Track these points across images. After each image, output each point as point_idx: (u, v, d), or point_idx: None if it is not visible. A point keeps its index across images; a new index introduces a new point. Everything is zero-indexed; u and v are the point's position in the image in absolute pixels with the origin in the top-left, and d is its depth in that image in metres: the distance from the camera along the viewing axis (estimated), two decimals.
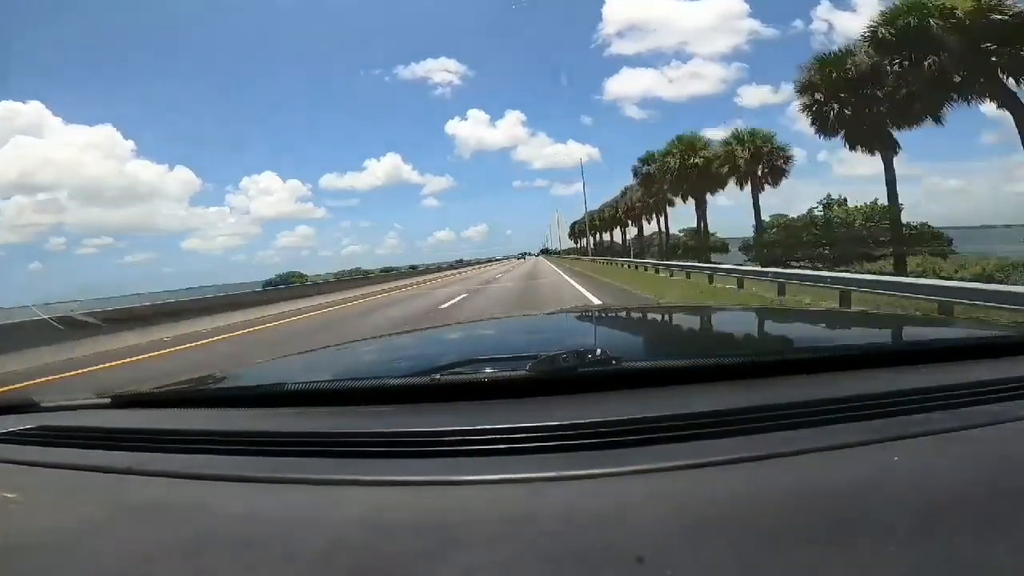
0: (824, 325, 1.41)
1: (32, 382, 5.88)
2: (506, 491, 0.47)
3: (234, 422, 0.72)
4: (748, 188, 23.93)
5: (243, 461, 0.58)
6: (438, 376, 0.72)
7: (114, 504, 0.54)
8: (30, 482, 0.63)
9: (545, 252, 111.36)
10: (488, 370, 0.75)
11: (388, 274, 33.35)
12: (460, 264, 66.33)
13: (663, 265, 19.70)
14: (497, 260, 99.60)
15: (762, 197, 23.74)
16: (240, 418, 0.74)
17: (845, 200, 27.70)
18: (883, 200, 18.46)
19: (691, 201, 28.57)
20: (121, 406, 0.88)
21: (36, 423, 0.77)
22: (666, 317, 1.72)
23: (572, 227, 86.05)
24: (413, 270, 41.60)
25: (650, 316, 1.78)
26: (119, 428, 0.74)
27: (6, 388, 5.39)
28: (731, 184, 25.00)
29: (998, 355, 0.76)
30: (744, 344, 1.16)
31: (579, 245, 77.70)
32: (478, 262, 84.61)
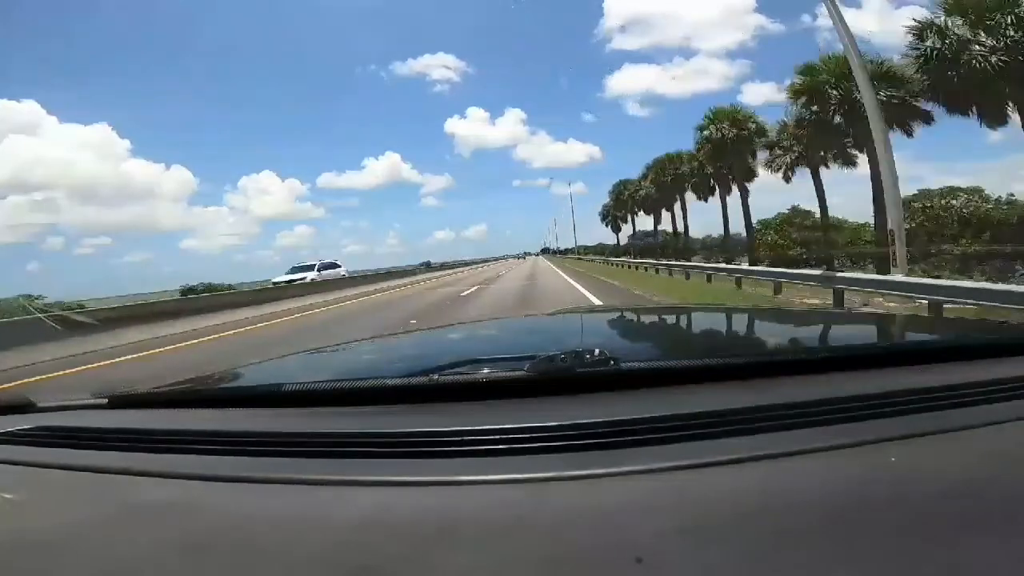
0: (824, 325, 1.40)
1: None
2: (505, 491, 0.47)
3: (232, 422, 0.72)
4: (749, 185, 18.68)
5: (241, 461, 0.58)
6: (437, 376, 0.72)
7: (112, 504, 0.54)
8: (28, 482, 0.63)
9: (545, 251, 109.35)
10: (487, 370, 0.75)
11: (230, 293, 15.38)
12: (424, 268, 39.93)
13: None
14: (482, 261, 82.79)
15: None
16: (238, 418, 0.74)
17: None
18: None
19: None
20: (119, 406, 0.87)
21: (34, 423, 0.77)
22: (665, 317, 1.72)
23: (616, 192, 45.57)
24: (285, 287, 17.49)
25: (649, 316, 1.78)
26: (117, 428, 0.74)
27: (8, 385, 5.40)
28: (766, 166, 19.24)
29: (998, 355, 0.76)
30: (743, 344, 1.16)
31: (621, 242, 47.76)
32: (461, 264, 60.17)
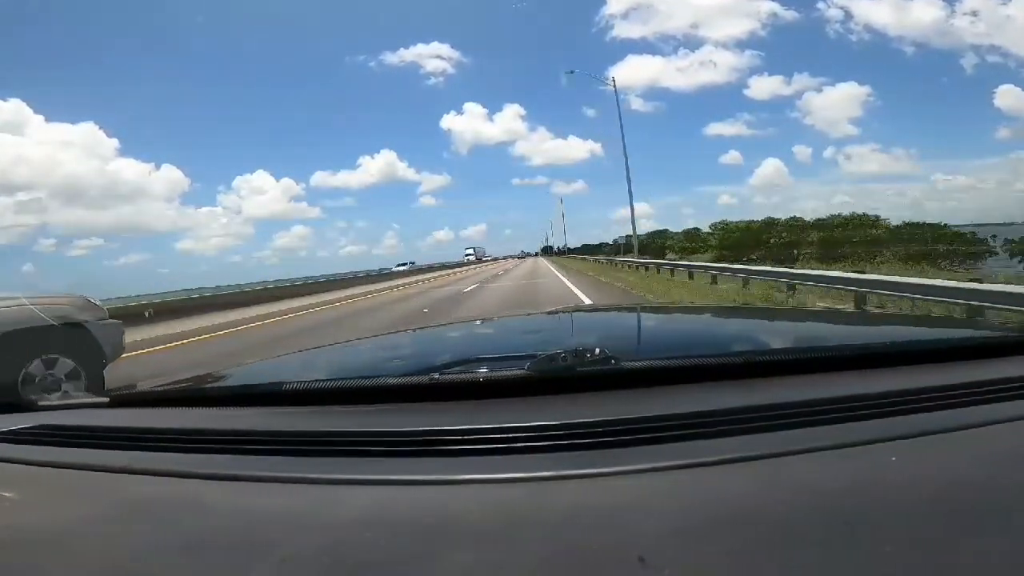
0: (823, 325, 1.41)
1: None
2: (505, 490, 0.47)
3: (232, 421, 0.72)
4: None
5: (241, 460, 0.58)
6: (437, 375, 0.72)
7: (112, 503, 0.54)
8: (28, 481, 0.63)
9: (547, 251, 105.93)
10: (487, 369, 0.75)
11: None
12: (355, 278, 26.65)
13: None
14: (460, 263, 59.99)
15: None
16: (238, 417, 0.74)
17: None
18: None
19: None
20: (119, 405, 0.88)
21: (34, 422, 0.77)
22: (665, 317, 1.72)
23: None
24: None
25: (649, 316, 1.78)
26: (117, 427, 0.74)
27: None
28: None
29: (996, 355, 0.76)
30: (743, 344, 1.16)
31: None
32: (415, 269, 39.63)
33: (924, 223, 21.79)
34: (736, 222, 29.69)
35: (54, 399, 0.90)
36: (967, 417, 0.55)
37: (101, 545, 0.47)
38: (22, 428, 0.75)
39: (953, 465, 0.48)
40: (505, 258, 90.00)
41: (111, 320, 4.32)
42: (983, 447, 0.51)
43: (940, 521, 0.40)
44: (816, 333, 1.25)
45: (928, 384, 0.61)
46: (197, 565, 0.42)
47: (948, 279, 6.72)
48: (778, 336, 1.27)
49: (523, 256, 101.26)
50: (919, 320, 2.02)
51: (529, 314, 2.82)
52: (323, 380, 0.81)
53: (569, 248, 79.01)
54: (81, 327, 4.01)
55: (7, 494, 0.61)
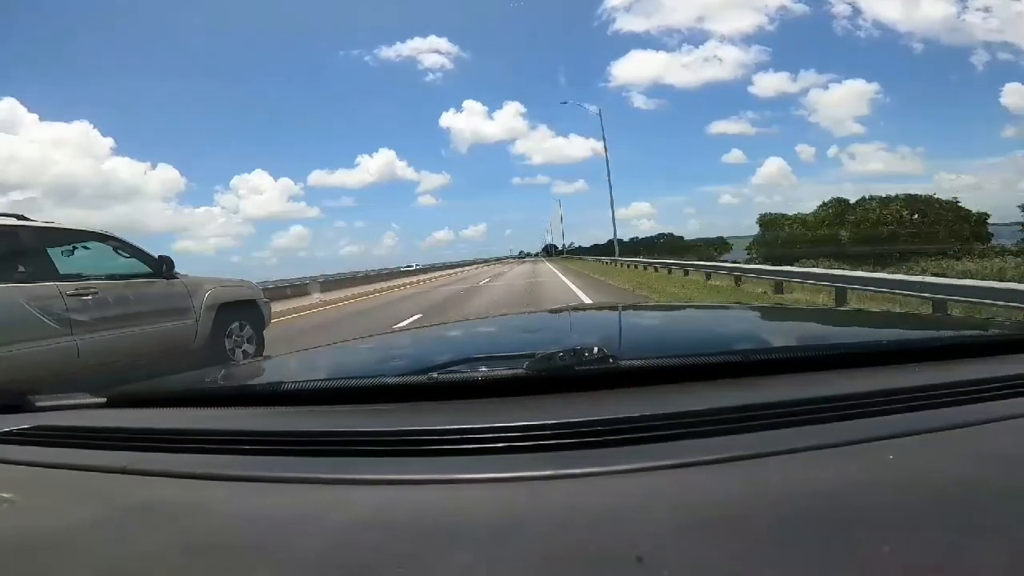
0: (820, 324, 1.41)
1: None
2: (504, 490, 0.47)
3: (231, 421, 0.72)
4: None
5: (240, 460, 0.58)
6: (436, 375, 0.72)
7: (111, 504, 0.54)
8: (26, 482, 0.63)
9: (549, 252, 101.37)
10: (486, 369, 0.75)
11: None
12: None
13: None
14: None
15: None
16: (237, 417, 0.74)
17: None
18: None
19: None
20: (117, 405, 0.87)
21: (32, 423, 0.77)
22: (664, 315, 1.72)
23: None
24: None
25: (648, 314, 1.78)
26: (116, 427, 0.74)
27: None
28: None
29: (993, 353, 0.76)
30: (741, 342, 1.16)
31: None
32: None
33: None
34: None
35: (52, 399, 0.90)
36: (964, 416, 0.55)
37: (99, 546, 0.46)
38: (19, 429, 0.75)
39: (950, 464, 0.48)
40: (471, 264, 66.60)
41: (266, 299, 5.94)
42: (980, 446, 0.51)
43: (937, 520, 0.40)
44: (814, 332, 1.26)
45: (925, 382, 0.62)
46: (196, 565, 0.42)
47: None
48: (776, 335, 1.27)
49: (522, 258, 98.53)
50: (916, 319, 2.03)
51: (528, 313, 2.82)
52: (321, 380, 0.81)
53: (581, 247, 70.10)
54: (254, 303, 5.64)
55: (5, 495, 0.61)
